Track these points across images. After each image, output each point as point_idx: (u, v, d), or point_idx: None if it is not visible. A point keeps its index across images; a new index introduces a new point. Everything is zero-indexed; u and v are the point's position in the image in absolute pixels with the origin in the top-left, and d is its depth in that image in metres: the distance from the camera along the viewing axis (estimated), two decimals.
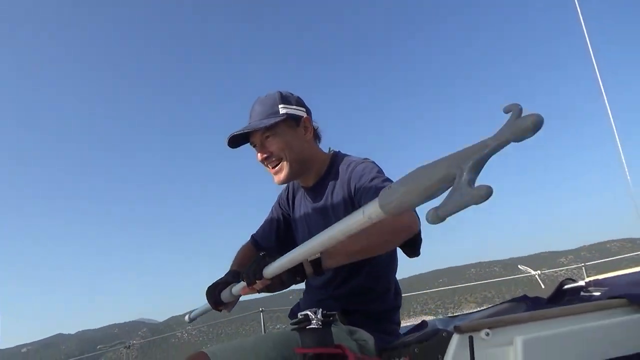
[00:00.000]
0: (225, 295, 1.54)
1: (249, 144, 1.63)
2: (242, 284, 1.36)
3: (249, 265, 1.30)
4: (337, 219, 1.54)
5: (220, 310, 1.62)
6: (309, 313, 1.21)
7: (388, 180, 1.46)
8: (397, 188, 0.74)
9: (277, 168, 1.58)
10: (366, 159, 1.60)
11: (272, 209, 1.88)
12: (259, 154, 1.58)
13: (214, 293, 1.56)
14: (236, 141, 1.61)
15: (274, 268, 1.26)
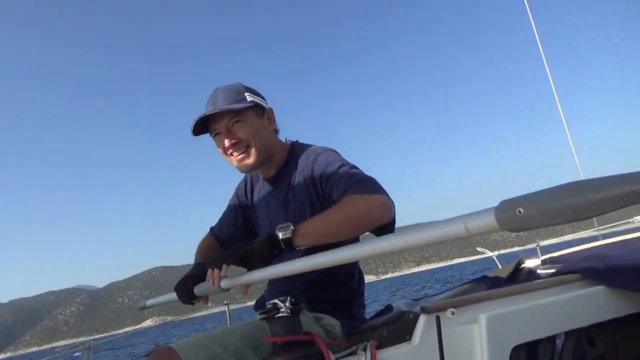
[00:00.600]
0: (201, 289, 1.50)
1: (208, 133, 1.57)
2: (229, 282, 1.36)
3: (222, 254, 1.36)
4: (298, 208, 1.56)
5: (194, 304, 1.58)
6: (277, 302, 1.20)
7: (354, 167, 1.46)
8: (537, 202, 0.60)
9: (244, 154, 1.54)
10: (325, 147, 1.59)
11: (230, 201, 1.86)
12: (226, 140, 1.52)
13: (186, 288, 1.50)
14: (197, 128, 1.53)
15: (232, 282, 1.33)
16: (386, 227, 1.34)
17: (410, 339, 1.16)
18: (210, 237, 1.84)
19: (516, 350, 1.26)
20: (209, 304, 1.61)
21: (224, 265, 1.34)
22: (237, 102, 1.51)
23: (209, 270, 1.36)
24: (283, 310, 1.17)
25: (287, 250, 1.32)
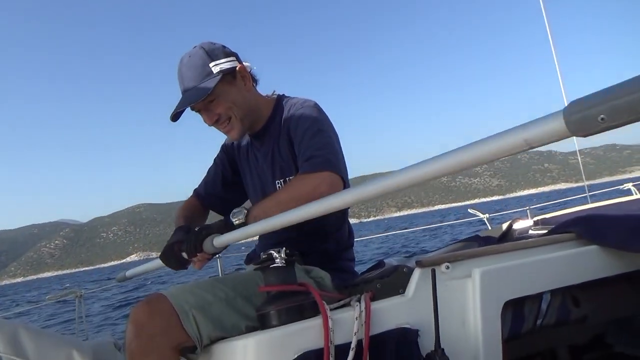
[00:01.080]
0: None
1: (189, 109, 1.53)
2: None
3: (188, 239, 1.38)
4: (284, 165, 1.55)
5: (187, 268, 1.56)
6: (272, 252, 1.20)
7: (320, 132, 1.44)
8: (620, 92, 0.49)
9: (228, 127, 1.53)
10: (308, 101, 1.56)
11: (215, 159, 1.83)
12: (207, 120, 1.51)
13: (176, 254, 1.47)
14: (177, 114, 1.50)
15: (225, 238, 1.33)
16: None
17: (404, 292, 1.17)
18: (194, 199, 1.83)
19: (504, 306, 1.29)
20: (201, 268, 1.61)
21: (201, 251, 1.37)
22: (204, 79, 1.45)
23: (188, 258, 1.42)
24: (278, 260, 1.17)
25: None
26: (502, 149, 0.65)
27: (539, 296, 1.42)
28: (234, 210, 1.38)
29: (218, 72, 1.46)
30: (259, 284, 1.30)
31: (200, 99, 1.42)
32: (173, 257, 1.47)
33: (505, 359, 1.22)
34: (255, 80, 1.61)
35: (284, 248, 1.20)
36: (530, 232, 1.69)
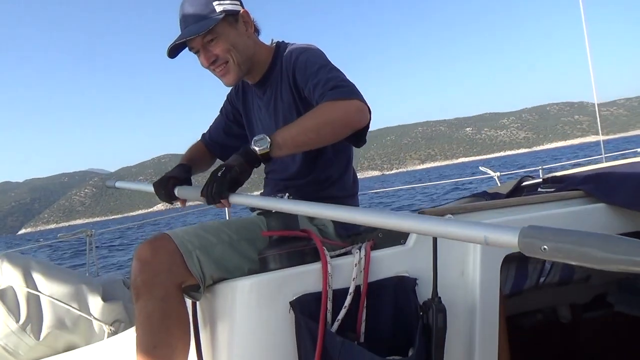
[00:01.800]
0: (184, 192, 1.49)
1: (187, 49, 1.50)
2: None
3: (211, 183, 1.25)
4: (287, 112, 1.52)
5: (173, 204, 1.59)
6: (276, 198, 1.20)
7: (333, 69, 1.41)
8: (562, 241, 0.61)
9: (224, 70, 1.49)
10: (309, 45, 1.53)
11: (221, 109, 1.82)
12: (204, 60, 1.47)
13: (167, 187, 1.51)
14: (175, 50, 1.48)
15: (240, 200, 1.24)
16: (361, 132, 1.36)
17: (405, 242, 1.18)
18: (200, 143, 1.83)
19: (507, 261, 1.28)
20: (187, 205, 1.62)
21: (228, 199, 1.28)
22: (206, 17, 1.41)
23: (209, 204, 1.30)
24: None
25: (264, 162, 1.31)
26: (463, 234, 0.74)
27: None
28: (256, 138, 1.28)
29: (221, 12, 1.42)
30: (263, 228, 1.31)
31: (200, 32, 1.39)
32: (164, 189, 1.51)
33: (505, 312, 1.24)
34: (257, 30, 1.57)
35: (287, 194, 1.20)
36: (539, 189, 1.67)
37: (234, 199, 1.24)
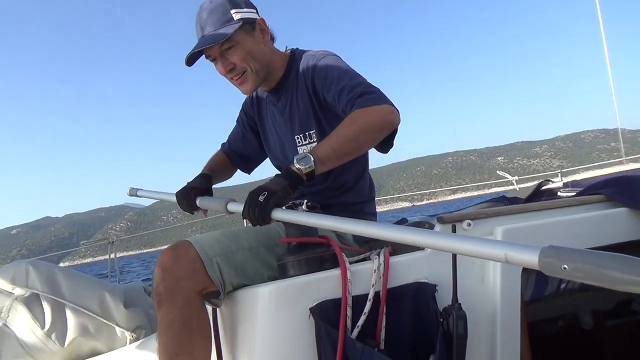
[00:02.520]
0: (206, 203, 1.51)
1: (204, 57, 1.52)
2: (239, 207, 1.29)
3: (252, 208, 1.19)
4: (303, 119, 1.52)
5: (193, 214, 1.61)
6: (293, 204, 1.21)
7: (356, 74, 1.41)
8: (584, 259, 0.62)
9: (241, 79, 1.50)
10: (326, 51, 1.53)
11: (237, 118, 1.83)
12: (222, 68, 1.48)
13: (190, 197, 1.53)
14: (192, 58, 1.49)
15: (283, 216, 1.18)
16: (389, 137, 1.36)
17: (424, 248, 1.17)
18: (221, 153, 1.85)
19: (528, 268, 1.27)
20: (208, 216, 1.65)
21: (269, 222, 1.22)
22: (224, 25, 1.42)
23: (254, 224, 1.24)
24: (299, 211, 1.18)
25: (309, 181, 1.25)
26: (483, 252, 0.75)
27: None
28: (297, 157, 1.24)
29: (239, 20, 1.43)
30: (282, 235, 1.32)
31: (217, 41, 1.40)
32: (186, 199, 1.54)
33: (526, 319, 1.22)
34: (272, 38, 1.59)
35: (306, 200, 1.21)
36: (559, 193, 1.65)
37: (276, 215, 1.18)
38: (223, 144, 1.87)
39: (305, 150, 1.50)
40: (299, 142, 1.55)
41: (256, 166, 1.89)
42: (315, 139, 1.51)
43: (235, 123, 1.85)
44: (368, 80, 1.39)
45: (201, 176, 1.65)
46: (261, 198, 1.17)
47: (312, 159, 1.22)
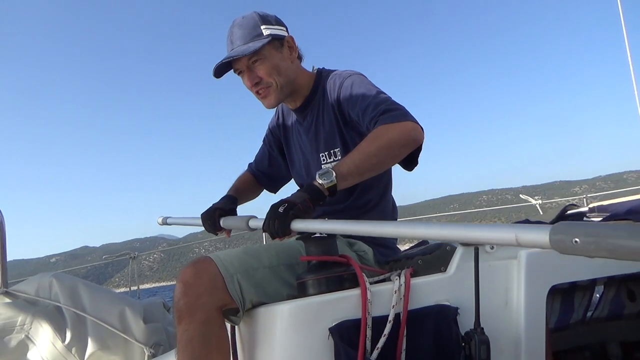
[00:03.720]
0: (229, 223, 1.53)
1: (232, 71, 1.56)
2: (260, 222, 1.31)
3: (273, 220, 1.20)
4: (328, 137, 1.54)
5: (217, 235, 1.63)
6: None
7: (381, 92, 1.42)
8: (595, 233, 0.61)
9: (265, 92, 1.53)
10: (353, 71, 1.55)
11: (264, 138, 1.86)
12: (247, 81, 1.52)
13: (213, 218, 1.56)
14: (220, 70, 1.54)
15: (302, 226, 1.18)
16: (414, 154, 1.37)
17: (445, 270, 1.16)
18: (248, 174, 1.88)
19: (553, 292, 1.24)
20: (231, 236, 1.66)
21: (289, 234, 1.24)
22: (253, 40, 1.47)
23: (273, 239, 1.26)
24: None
25: (331, 197, 1.27)
26: (494, 237, 0.75)
27: (590, 287, 1.36)
28: (320, 172, 1.26)
29: (268, 35, 1.48)
30: (302, 253, 1.32)
31: (245, 54, 1.44)
32: (210, 220, 1.56)
33: (551, 348, 1.19)
34: (300, 57, 1.62)
35: (327, 219, 1.21)
36: (585, 219, 1.61)
37: (296, 225, 1.19)
38: (250, 164, 1.90)
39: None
40: (324, 160, 1.56)
41: (282, 185, 1.91)
42: (339, 157, 1.52)
43: (261, 143, 1.87)
44: (393, 99, 1.40)
45: (226, 197, 1.67)
46: (281, 209, 1.18)
47: (334, 174, 1.23)
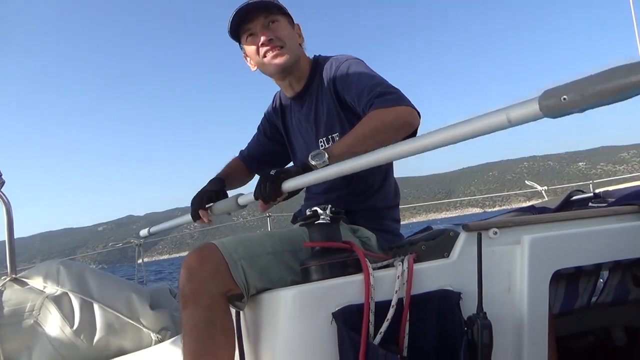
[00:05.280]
0: (219, 207, 1.53)
1: (239, 44, 1.58)
2: (250, 195, 1.35)
3: (264, 183, 1.26)
4: (327, 122, 1.54)
5: (195, 221, 1.61)
6: (317, 209, 1.21)
7: (376, 76, 1.42)
8: (580, 85, 0.62)
9: (278, 52, 1.51)
10: (349, 55, 1.55)
11: (259, 126, 1.86)
12: (262, 36, 1.49)
13: (201, 201, 1.56)
14: (233, 28, 1.53)
15: (293, 184, 1.23)
16: (412, 135, 1.36)
17: (448, 255, 1.16)
18: (238, 160, 1.88)
19: (557, 278, 1.24)
20: (211, 225, 1.65)
21: (280, 195, 1.30)
22: (272, 2, 1.50)
23: (265, 203, 1.30)
24: (323, 217, 1.18)
25: None
26: (486, 125, 0.75)
27: (595, 272, 1.36)
28: (312, 153, 1.29)
29: (285, 9, 1.53)
30: (305, 240, 1.32)
31: (270, 6, 1.47)
32: (197, 204, 1.56)
33: (554, 333, 1.19)
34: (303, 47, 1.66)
35: (330, 206, 1.21)
36: (590, 204, 1.61)
37: (287, 185, 1.23)
38: (241, 151, 1.90)
39: None
40: (322, 146, 1.56)
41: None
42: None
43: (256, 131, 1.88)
44: (388, 82, 1.40)
45: (215, 180, 1.67)
46: (272, 172, 1.24)
47: (326, 155, 1.26)
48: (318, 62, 1.61)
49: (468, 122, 0.79)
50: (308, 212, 1.23)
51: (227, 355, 1.22)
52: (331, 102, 1.53)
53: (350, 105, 1.46)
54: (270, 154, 1.84)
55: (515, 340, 1.13)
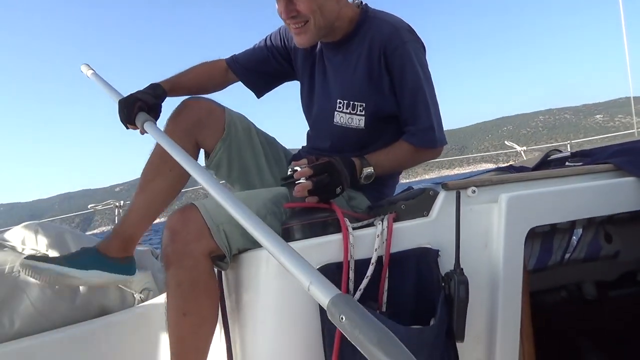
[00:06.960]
0: (151, 130, 1.38)
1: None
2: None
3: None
4: (356, 85, 1.46)
5: (128, 128, 1.49)
6: (298, 168, 1.21)
7: (430, 103, 1.45)
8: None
9: (301, 29, 1.40)
10: (408, 33, 1.43)
11: (265, 39, 1.70)
12: (283, 10, 1.38)
13: (131, 109, 1.43)
14: None
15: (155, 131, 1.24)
16: None
17: (428, 214, 1.17)
18: (221, 60, 1.73)
19: (532, 236, 1.27)
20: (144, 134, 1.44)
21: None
22: None
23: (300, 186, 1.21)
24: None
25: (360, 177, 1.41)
26: (294, 271, 0.81)
27: (569, 230, 1.40)
28: (366, 174, 1.41)
29: None
30: (288, 200, 1.32)
31: None
32: (129, 111, 1.44)
33: (528, 288, 1.23)
34: None
35: (314, 157, 1.20)
36: (567, 163, 1.63)
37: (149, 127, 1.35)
38: (226, 58, 1.73)
39: (341, 117, 1.51)
40: (339, 108, 1.50)
41: (269, 90, 1.79)
42: (357, 112, 1.48)
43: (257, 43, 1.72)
44: (437, 109, 1.49)
45: (151, 87, 1.52)
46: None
47: (371, 167, 1.42)
48: (367, 16, 1.48)
49: (289, 252, 0.87)
50: (289, 172, 1.22)
51: (210, 314, 1.23)
52: (368, 70, 1.44)
53: (395, 102, 1.48)
54: (268, 71, 1.69)
55: (490, 294, 1.16)
